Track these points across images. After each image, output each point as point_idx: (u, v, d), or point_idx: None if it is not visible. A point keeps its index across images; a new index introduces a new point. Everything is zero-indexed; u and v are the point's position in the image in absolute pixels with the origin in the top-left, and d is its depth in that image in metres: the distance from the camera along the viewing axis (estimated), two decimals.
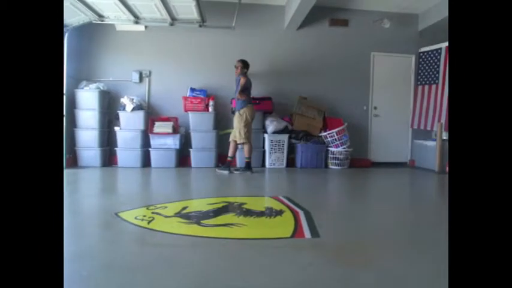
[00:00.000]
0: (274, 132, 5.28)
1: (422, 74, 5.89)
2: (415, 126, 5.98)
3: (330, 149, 5.41)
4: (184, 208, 2.77)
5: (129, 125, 5.16)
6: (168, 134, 5.18)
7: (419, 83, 5.94)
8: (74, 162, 5.10)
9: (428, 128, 5.72)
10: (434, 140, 5.46)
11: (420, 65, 5.93)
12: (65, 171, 4.66)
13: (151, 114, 5.43)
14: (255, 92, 5.57)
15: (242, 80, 4.64)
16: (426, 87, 5.79)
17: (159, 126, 5.19)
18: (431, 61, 5.71)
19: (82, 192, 3.64)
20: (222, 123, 5.59)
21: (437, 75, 5.60)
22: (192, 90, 5.37)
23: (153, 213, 2.62)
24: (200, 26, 5.13)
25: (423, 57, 5.87)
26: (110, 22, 5.00)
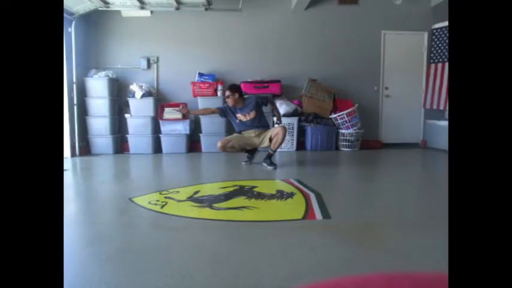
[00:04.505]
0: (284, 115, 5.25)
1: (435, 51, 5.72)
2: (428, 106, 5.86)
3: (341, 131, 5.37)
4: (196, 192, 2.82)
5: (139, 111, 5.19)
6: (178, 119, 5.20)
7: (432, 61, 5.77)
8: (87, 150, 5.19)
9: (441, 108, 5.60)
10: (447, 119, 5.35)
11: (433, 43, 5.75)
12: (79, 159, 4.76)
13: (160, 101, 5.45)
14: (264, 75, 5.53)
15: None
16: (439, 65, 5.63)
17: (169, 112, 5.21)
18: (445, 38, 5.53)
19: (96, 179, 3.72)
20: None
21: None
22: (201, 75, 5.35)
23: (165, 197, 2.66)
24: (206, 9, 5.07)
25: (436, 34, 5.68)
26: (115, 8, 4.98)
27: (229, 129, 5.43)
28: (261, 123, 4.07)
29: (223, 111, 4.13)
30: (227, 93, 3.99)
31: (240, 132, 4.09)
